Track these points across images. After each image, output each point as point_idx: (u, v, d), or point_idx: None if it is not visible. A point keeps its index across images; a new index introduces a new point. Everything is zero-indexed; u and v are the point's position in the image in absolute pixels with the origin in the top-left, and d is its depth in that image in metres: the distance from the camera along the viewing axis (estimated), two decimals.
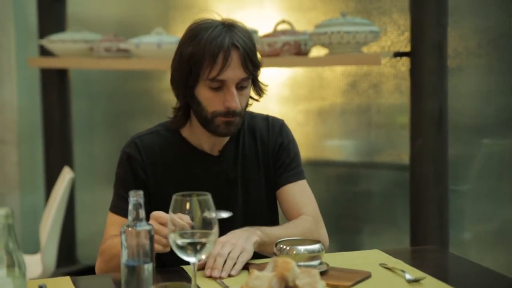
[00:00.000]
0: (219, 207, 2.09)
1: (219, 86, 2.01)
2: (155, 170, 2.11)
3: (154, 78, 4.47)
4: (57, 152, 4.30)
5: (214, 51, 1.98)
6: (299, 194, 2.19)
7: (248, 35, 2.06)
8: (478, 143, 3.50)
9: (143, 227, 1.60)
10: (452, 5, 3.24)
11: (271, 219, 2.21)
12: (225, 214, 1.82)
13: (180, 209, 1.57)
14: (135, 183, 2.09)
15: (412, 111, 3.23)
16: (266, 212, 2.21)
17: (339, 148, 3.95)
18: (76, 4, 4.44)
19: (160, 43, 3.68)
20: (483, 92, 3.50)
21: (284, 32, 3.44)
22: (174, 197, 1.58)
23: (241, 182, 2.16)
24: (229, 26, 2.05)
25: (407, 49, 3.28)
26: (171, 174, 2.12)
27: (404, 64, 3.55)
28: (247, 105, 2.10)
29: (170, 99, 4.33)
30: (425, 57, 3.17)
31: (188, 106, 2.10)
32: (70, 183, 3.41)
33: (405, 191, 3.35)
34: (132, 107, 4.58)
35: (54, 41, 4.01)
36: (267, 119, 2.24)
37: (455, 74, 3.45)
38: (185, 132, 2.15)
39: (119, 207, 2.09)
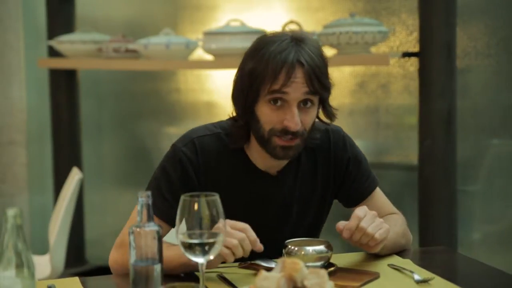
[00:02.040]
0: (270, 228, 1.99)
1: (280, 104, 1.88)
2: (208, 175, 1.98)
3: (163, 79, 4.48)
4: (66, 152, 4.31)
5: (277, 66, 1.85)
6: (380, 202, 2.13)
7: (318, 52, 1.91)
8: (487, 143, 3.50)
9: (151, 227, 1.60)
10: (461, 5, 3.23)
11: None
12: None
13: (188, 210, 1.57)
14: (181, 186, 1.94)
15: (421, 111, 3.23)
16: (313, 232, 2.13)
17: None
18: (84, 5, 4.44)
19: (169, 44, 3.68)
20: (492, 93, 3.49)
21: None
22: (182, 197, 1.58)
23: (297, 205, 2.06)
24: (298, 41, 1.89)
25: (416, 49, 3.28)
26: (223, 184, 1.97)
27: (412, 64, 3.54)
28: (311, 128, 1.95)
29: (178, 99, 4.32)
30: (434, 57, 3.16)
31: (248, 125, 1.96)
32: (79, 183, 3.41)
33: (414, 192, 3.35)
34: (140, 108, 4.58)
35: (63, 42, 4.02)
36: (326, 130, 2.08)
37: (464, 74, 3.45)
38: (246, 148, 2.01)
39: (155, 205, 1.79)
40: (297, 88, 1.87)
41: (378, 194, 2.16)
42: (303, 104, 1.90)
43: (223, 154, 2.00)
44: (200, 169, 1.98)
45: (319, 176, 2.08)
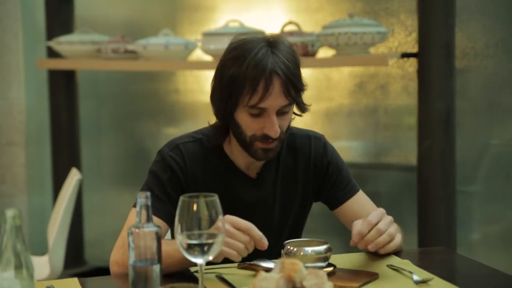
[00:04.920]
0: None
1: (259, 113, 1.93)
2: (196, 179, 2.04)
3: (162, 79, 4.48)
4: (65, 153, 4.31)
5: (255, 78, 1.89)
6: (361, 207, 2.14)
7: (292, 57, 1.96)
8: (485, 144, 3.50)
9: (150, 228, 1.60)
10: (459, 5, 3.23)
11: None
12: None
13: (187, 211, 1.57)
14: (171, 188, 2.02)
15: (420, 112, 3.23)
16: (295, 234, 2.17)
17: (346, 149, 3.95)
18: (83, 5, 4.44)
19: (168, 44, 3.68)
20: (491, 93, 3.49)
21: (291, 33, 3.44)
22: (181, 198, 1.58)
23: (279, 207, 2.11)
24: (273, 47, 1.93)
25: (415, 50, 3.28)
26: (210, 186, 2.00)
27: (411, 65, 3.54)
28: (288, 128, 2.03)
29: (178, 100, 4.31)
30: (433, 58, 3.17)
31: (227, 125, 2.02)
32: (78, 184, 3.41)
33: (413, 192, 3.35)
34: (139, 108, 4.58)
35: (62, 43, 4.02)
36: (308, 136, 2.16)
37: (463, 75, 3.45)
38: (226, 147, 2.08)
39: (154, 207, 1.90)
40: (275, 99, 1.92)
41: (359, 199, 2.18)
42: (281, 111, 1.95)
43: (207, 158, 2.07)
44: (187, 172, 2.04)
45: (299, 179, 2.14)
